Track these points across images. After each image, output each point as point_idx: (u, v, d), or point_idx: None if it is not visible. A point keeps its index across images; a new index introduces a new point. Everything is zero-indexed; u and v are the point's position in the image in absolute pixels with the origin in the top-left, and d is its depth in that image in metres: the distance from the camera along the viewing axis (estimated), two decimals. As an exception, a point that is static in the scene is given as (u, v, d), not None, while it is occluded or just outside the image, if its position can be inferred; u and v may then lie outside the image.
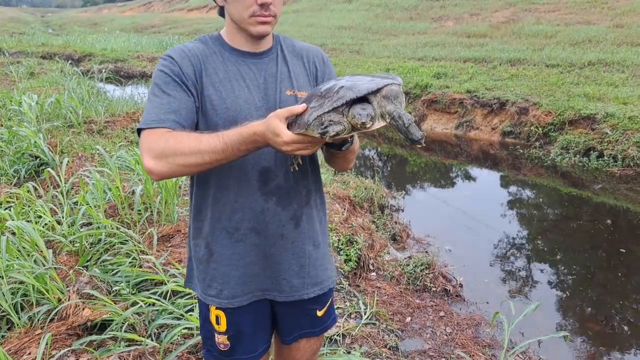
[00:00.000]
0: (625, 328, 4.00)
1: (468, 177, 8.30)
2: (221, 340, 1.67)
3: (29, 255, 3.08)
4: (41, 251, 3.14)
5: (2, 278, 2.77)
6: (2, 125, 6.39)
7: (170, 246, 3.70)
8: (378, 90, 1.30)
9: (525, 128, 9.01)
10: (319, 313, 1.75)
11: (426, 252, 4.90)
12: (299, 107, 1.31)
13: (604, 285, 4.65)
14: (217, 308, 1.64)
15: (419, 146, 1.31)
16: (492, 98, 9.76)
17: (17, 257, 3.01)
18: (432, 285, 4.16)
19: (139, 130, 1.43)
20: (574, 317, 4.13)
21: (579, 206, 6.72)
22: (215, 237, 1.59)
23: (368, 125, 1.27)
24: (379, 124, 1.31)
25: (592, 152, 7.75)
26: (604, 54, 11.59)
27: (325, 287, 1.72)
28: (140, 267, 3.25)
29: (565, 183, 7.35)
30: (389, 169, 9.02)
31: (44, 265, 3.01)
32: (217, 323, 1.66)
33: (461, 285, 4.28)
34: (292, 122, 1.34)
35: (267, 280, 1.63)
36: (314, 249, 1.67)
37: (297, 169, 1.53)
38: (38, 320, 2.74)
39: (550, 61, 11.70)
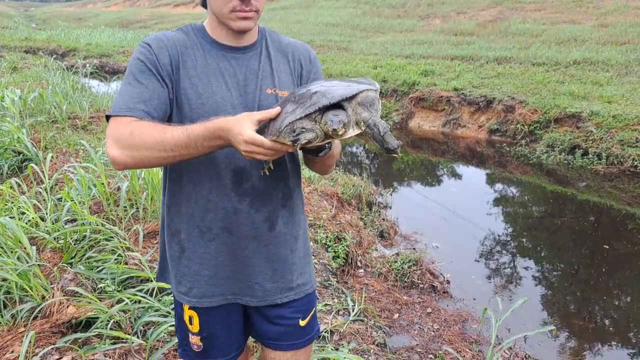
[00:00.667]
0: (608, 323, 4.05)
1: (455, 174, 8.34)
2: (194, 341, 1.65)
3: (12, 251, 3.02)
4: (24, 248, 3.09)
5: (-16, 275, 2.72)
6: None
7: (156, 243, 3.66)
8: (353, 96, 1.26)
9: (511, 126, 9.07)
10: (302, 322, 1.65)
11: (414, 249, 4.91)
12: (273, 111, 1.28)
13: (587, 281, 4.70)
14: (190, 308, 1.61)
15: (395, 155, 1.26)
16: (479, 96, 9.80)
17: (0, 254, 2.95)
18: (419, 281, 4.17)
19: (108, 117, 1.39)
20: (558, 313, 4.16)
21: (563, 203, 6.79)
22: (188, 234, 1.55)
23: (340, 133, 1.23)
24: (353, 132, 1.27)
25: (577, 150, 7.82)
26: (589, 53, 11.70)
27: (301, 292, 1.64)
28: (126, 264, 3.21)
29: (551, 180, 7.42)
30: (376, 166, 9.02)
31: (28, 262, 2.96)
32: (191, 323, 1.63)
33: (448, 282, 4.30)
34: (264, 128, 1.29)
35: (239, 284, 1.58)
36: (290, 253, 1.61)
37: (267, 173, 1.46)
38: (21, 317, 2.69)
39: (536, 60, 11.79)
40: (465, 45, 14.45)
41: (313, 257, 3.95)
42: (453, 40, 15.38)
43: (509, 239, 5.67)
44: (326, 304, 3.43)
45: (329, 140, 1.30)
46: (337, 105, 1.25)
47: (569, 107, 8.45)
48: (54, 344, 2.49)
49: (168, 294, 2.94)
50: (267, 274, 1.57)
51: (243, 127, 1.25)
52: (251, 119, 1.26)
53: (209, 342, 1.64)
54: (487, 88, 10.11)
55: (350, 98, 1.26)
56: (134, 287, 3.02)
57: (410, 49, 14.77)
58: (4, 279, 2.82)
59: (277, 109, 1.28)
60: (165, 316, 2.70)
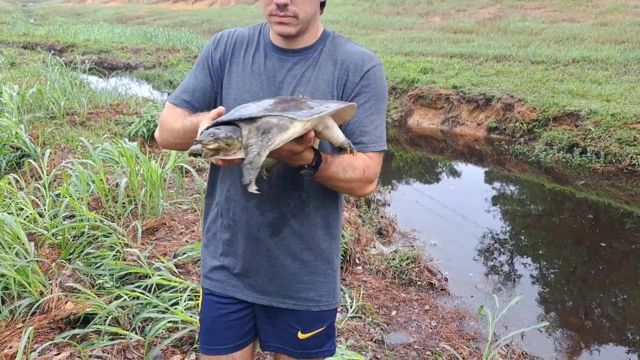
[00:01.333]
0: (604, 321, 4.06)
1: (454, 172, 8.35)
2: (199, 321, 1.70)
3: (10, 247, 3.02)
4: (23, 244, 3.09)
5: (-17, 271, 2.72)
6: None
7: (154, 239, 3.66)
8: (251, 119, 1.19)
9: (510, 124, 9.07)
10: (301, 335, 1.61)
11: (412, 246, 4.92)
12: (215, 110, 1.28)
13: (584, 279, 4.72)
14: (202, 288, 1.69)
15: (249, 190, 1.19)
16: (478, 94, 9.81)
17: (-2, 250, 2.96)
18: (417, 279, 4.17)
19: None
20: (555, 310, 4.18)
21: (562, 202, 6.80)
22: (214, 219, 1.62)
23: (206, 144, 1.16)
24: (235, 155, 1.20)
25: (575, 148, 7.83)
26: (588, 51, 11.71)
27: (303, 305, 1.59)
28: (124, 260, 3.21)
29: (549, 179, 7.43)
30: (374, 163, 9.02)
31: (26, 258, 2.96)
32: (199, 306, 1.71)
33: (446, 279, 4.30)
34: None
35: (240, 278, 1.59)
36: (294, 263, 1.56)
37: (264, 178, 1.43)
38: (19, 313, 2.70)
39: (535, 58, 11.79)
40: (465, 43, 14.44)
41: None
42: (452, 38, 15.37)
43: (507, 237, 5.68)
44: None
45: (219, 157, 1.20)
46: (231, 123, 1.20)
47: (567, 106, 8.46)
48: (52, 340, 2.50)
49: (166, 291, 2.95)
50: (267, 276, 1.57)
51: (201, 125, 1.27)
52: (208, 117, 1.28)
53: (207, 327, 1.66)
54: (486, 86, 10.12)
55: (248, 120, 1.19)
56: (132, 283, 3.02)
57: (409, 46, 14.76)
58: (2, 275, 2.81)
59: (218, 109, 1.27)
60: (163, 312, 2.71)
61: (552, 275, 4.80)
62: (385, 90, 1.51)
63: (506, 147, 8.67)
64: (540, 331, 3.74)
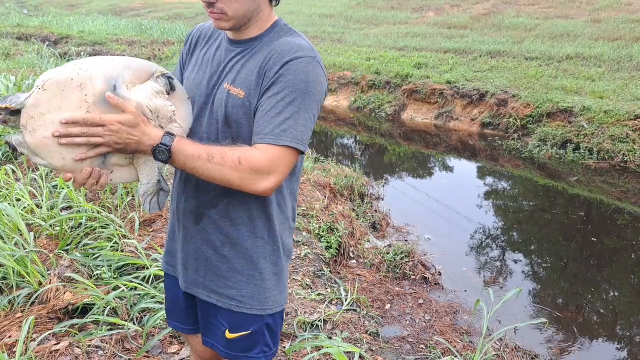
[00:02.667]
0: (596, 316, 4.13)
1: (447, 167, 8.40)
2: (164, 299, 1.81)
3: (9, 238, 3.04)
4: (22, 234, 3.11)
5: (-18, 261, 2.74)
6: None
7: (152, 231, 3.68)
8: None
9: (504, 120, 9.12)
10: (228, 335, 1.56)
11: (406, 240, 4.97)
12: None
13: (576, 274, 4.78)
14: None
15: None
16: (472, 89, 9.85)
17: (-3, 240, 2.97)
18: (411, 273, 4.22)
19: None
20: (548, 305, 4.23)
21: (554, 198, 6.87)
22: (171, 202, 1.68)
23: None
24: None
25: (569, 144, 7.90)
26: (582, 48, 11.76)
27: (225, 303, 1.54)
28: (122, 251, 3.24)
29: (542, 175, 7.49)
30: (368, 157, 9.07)
31: (25, 249, 2.98)
32: None
33: (440, 274, 4.36)
34: None
35: (177, 263, 1.64)
36: (215, 256, 1.52)
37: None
38: (18, 303, 2.72)
39: (529, 54, 11.83)
40: (459, 38, 14.47)
41: (306, 247, 3.99)
42: (446, 34, 15.38)
43: (500, 232, 5.74)
44: (319, 294, 3.48)
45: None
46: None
47: (561, 102, 8.52)
48: (51, 330, 2.52)
49: (164, 282, 2.97)
50: (193, 264, 1.57)
51: None
52: None
53: (169, 304, 1.77)
54: (480, 82, 10.16)
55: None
56: (130, 274, 3.05)
57: (403, 41, 14.77)
58: (1, 265, 2.83)
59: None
60: (161, 303, 2.73)
61: (544, 270, 4.86)
62: (311, 85, 1.36)
63: (500, 142, 8.73)
64: (534, 326, 3.79)
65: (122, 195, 3.97)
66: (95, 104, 1.26)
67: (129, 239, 3.36)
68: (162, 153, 1.31)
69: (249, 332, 1.55)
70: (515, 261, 4.93)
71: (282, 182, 1.43)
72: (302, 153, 1.40)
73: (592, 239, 5.45)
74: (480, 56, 12.22)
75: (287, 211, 1.58)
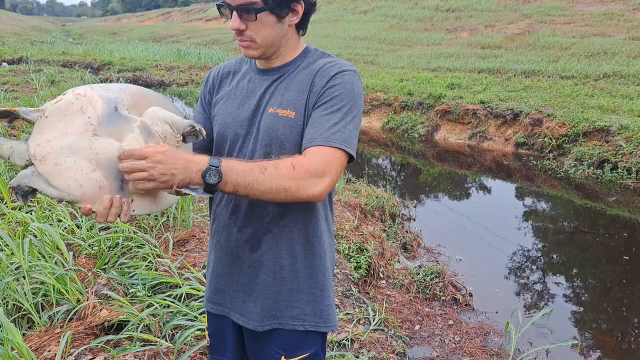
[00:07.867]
0: (633, 341, 4.00)
1: (481, 187, 8.33)
2: (207, 335, 1.74)
3: (50, 256, 3.19)
4: (62, 253, 3.25)
5: (25, 278, 2.88)
6: (24, 132, 6.56)
7: (185, 250, 3.79)
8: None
9: (538, 139, 9.02)
10: None
11: (436, 261, 4.95)
12: None
13: (619, 299, 4.64)
14: None
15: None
16: (506, 109, 9.78)
17: (39, 259, 3.12)
18: (441, 294, 4.20)
19: None
20: (585, 328, 4.14)
21: (592, 218, 6.72)
22: (211, 239, 1.66)
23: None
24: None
25: (606, 164, 7.74)
26: (619, 66, 11.57)
27: (288, 324, 1.53)
28: (156, 270, 3.34)
29: (579, 195, 7.35)
30: (401, 178, 9.07)
31: (64, 267, 3.11)
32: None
33: (471, 295, 4.32)
34: None
35: (230, 299, 1.59)
36: (274, 281, 1.52)
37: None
38: (57, 319, 2.84)
39: (565, 73, 11.70)
40: (493, 58, 14.42)
41: (335, 267, 4.03)
42: (480, 53, 15.35)
43: (535, 253, 5.65)
44: (347, 313, 3.50)
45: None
46: None
47: (598, 121, 8.38)
48: (87, 345, 2.63)
49: (195, 300, 3.06)
50: (252, 295, 1.54)
51: None
52: None
53: (213, 340, 1.72)
54: (514, 101, 10.08)
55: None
56: (163, 292, 3.14)
57: (436, 62, 14.80)
58: (42, 282, 2.97)
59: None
60: (192, 320, 2.82)
61: (581, 294, 4.76)
62: (356, 95, 1.42)
63: (535, 162, 8.61)
64: (567, 348, 3.71)
65: (156, 216, 4.11)
66: (100, 125, 1.23)
67: (162, 258, 3.47)
68: (213, 175, 1.22)
69: (307, 354, 1.55)
70: (550, 283, 4.84)
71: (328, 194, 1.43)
72: (351, 159, 1.40)
73: (636, 262, 5.30)
74: (515, 75, 12.15)
75: (331, 227, 1.61)
